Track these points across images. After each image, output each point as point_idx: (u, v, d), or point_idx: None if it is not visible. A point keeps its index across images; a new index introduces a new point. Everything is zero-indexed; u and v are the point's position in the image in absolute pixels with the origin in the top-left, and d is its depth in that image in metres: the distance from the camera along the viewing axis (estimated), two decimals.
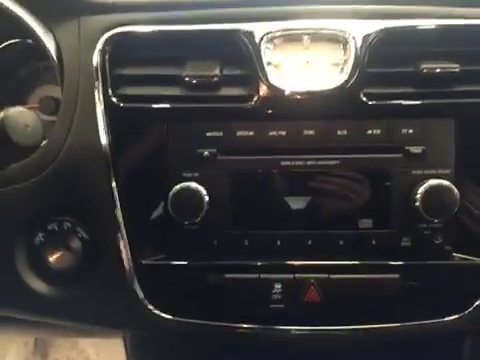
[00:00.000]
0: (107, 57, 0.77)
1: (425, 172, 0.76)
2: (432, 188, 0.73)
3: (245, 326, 0.77)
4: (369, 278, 0.75)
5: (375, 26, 0.74)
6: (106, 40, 0.77)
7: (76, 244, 0.76)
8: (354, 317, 0.76)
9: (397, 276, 0.75)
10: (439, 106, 0.76)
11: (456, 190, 0.73)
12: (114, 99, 0.76)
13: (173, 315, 0.78)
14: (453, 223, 0.76)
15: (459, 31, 0.77)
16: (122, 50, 0.77)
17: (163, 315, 0.77)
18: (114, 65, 0.77)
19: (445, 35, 0.76)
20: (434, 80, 0.75)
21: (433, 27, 0.76)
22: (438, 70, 0.74)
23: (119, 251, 0.76)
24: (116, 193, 0.75)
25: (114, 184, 0.75)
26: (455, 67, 0.74)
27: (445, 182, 0.73)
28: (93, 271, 0.77)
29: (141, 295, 0.77)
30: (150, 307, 0.77)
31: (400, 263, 0.76)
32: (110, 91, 0.76)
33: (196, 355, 0.86)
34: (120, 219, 0.76)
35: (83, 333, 1.01)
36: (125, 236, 0.75)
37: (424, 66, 0.74)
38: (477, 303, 0.76)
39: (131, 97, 0.77)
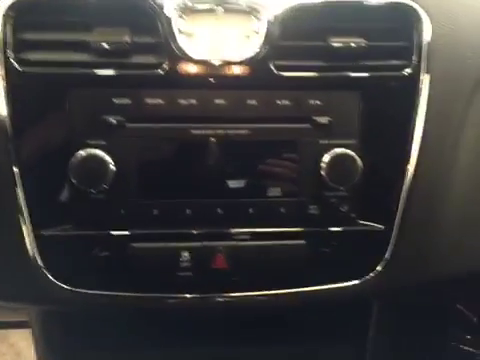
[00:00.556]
0: (11, 22, 0.73)
1: (331, 142, 0.78)
2: (336, 157, 0.76)
3: (152, 295, 0.76)
4: (276, 244, 0.76)
5: (287, 0, 0.75)
6: (10, 6, 0.73)
7: None
8: (261, 283, 0.77)
9: (303, 242, 0.77)
10: (346, 79, 0.79)
11: (359, 159, 0.76)
12: (15, 64, 0.72)
13: (76, 287, 0.75)
14: (357, 191, 0.79)
15: (367, 7, 0.79)
16: (26, 15, 0.74)
17: (65, 286, 0.75)
18: (17, 30, 0.73)
19: (354, 11, 0.79)
20: (342, 54, 0.78)
21: (343, 3, 0.79)
22: (345, 45, 0.76)
23: (18, 222, 0.72)
24: (15, 161, 0.72)
25: (13, 151, 0.72)
26: (362, 42, 0.76)
27: (347, 151, 0.76)
28: None
29: (42, 267, 0.74)
30: (51, 278, 0.74)
31: (306, 230, 0.78)
32: (12, 55, 0.72)
33: (104, 331, 0.84)
34: (19, 188, 0.72)
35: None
36: (24, 206, 0.72)
37: (332, 40, 0.76)
38: (379, 268, 0.80)
39: (34, 62, 0.73)
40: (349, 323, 0.92)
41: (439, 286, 0.89)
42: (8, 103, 0.72)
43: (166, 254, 0.75)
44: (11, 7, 0.72)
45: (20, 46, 0.73)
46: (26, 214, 0.72)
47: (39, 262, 0.73)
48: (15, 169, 0.72)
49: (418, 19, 0.78)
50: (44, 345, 0.95)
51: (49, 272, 0.74)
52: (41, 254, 0.73)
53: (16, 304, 0.83)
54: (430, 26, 0.78)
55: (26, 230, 0.73)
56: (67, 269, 0.75)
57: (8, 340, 1.70)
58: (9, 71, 0.72)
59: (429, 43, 0.77)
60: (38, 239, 0.73)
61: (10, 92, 0.72)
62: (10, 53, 0.72)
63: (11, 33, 0.73)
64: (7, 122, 0.72)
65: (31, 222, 0.73)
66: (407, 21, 0.78)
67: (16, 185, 0.72)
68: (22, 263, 0.73)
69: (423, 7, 0.78)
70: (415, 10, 0.78)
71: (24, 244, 0.73)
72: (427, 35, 0.78)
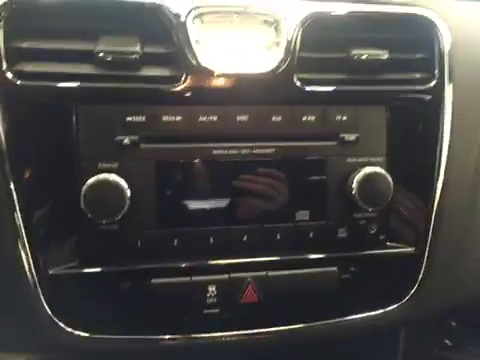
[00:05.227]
0: (2, 26, 0.63)
1: (359, 160, 0.74)
2: (368, 176, 0.71)
3: (177, 336, 0.68)
4: (308, 273, 0.71)
5: (307, 8, 0.71)
6: (0, 6, 0.62)
7: None
8: (294, 315, 0.72)
9: (335, 269, 0.72)
10: (369, 93, 0.75)
11: (389, 177, 0.72)
12: (9, 75, 0.62)
13: (90, 332, 0.66)
14: (386, 212, 0.76)
15: (387, 19, 0.76)
16: (21, 20, 0.64)
17: (77, 333, 0.65)
18: (10, 37, 0.63)
19: (375, 22, 0.75)
20: (364, 66, 0.74)
21: (363, 13, 0.75)
22: (366, 56, 0.73)
23: (19, 260, 0.62)
24: (14, 190, 0.62)
25: (10, 178, 0.62)
26: (384, 54, 0.73)
27: (380, 169, 0.72)
28: None
29: (49, 312, 0.64)
30: (61, 325, 0.65)
31: (337, 255, 0.73)
32: (4, 66, 0.62)
33: None
34: (20, 222, 0.62)
35: None
36: (26, 242, 0.62)
37: (354, 52, 0.73)
38: (413, 291, 0.76)
39: (31, 74, 0.64)
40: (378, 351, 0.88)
41: (472, 307, 0.86)
42: (4, 122, 0.62)
43: (190, 290, 0.67)
44: (3, 8, 0.62)
45: (14, 56, 0.64)
46: (28, 250, 0.63)
47: (46, 306, 0.63)
48: (15, 198, 0.62)
49: (438, 30, 0.75)
50: None
51: (58, 317, 0.65)
52: (47, 296, 0.64)
53: (21, 353, 0.72)
54: (450, 37, 0.76)
55: (28, 269, 0.63)
56: (78, 312, 0.66)
57: None
58: (3, 85, 0.62)
59: (450, 53, 0.75)
60: (43, 279, 0.63)
61: (6, 110, 0.62)
62: (3, 64, 0.62)
63: (4, 40, 0.63)
64: (3, 144, 0.62)
65: (33, 259, 0.63)
66: (427, 32, 0.76)
67: (16, 217, 0.62)
68: (26, 307, 0.63)
69: (442, 18, 0.76)
70: (434, 21, 0.75)
71: (28, 285, 0.62)
72: (447, 45, 0.75)
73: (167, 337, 0.68)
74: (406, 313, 0.76)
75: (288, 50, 0.69)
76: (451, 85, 0.75)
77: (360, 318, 0.74)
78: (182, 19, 0.67)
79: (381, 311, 0.75)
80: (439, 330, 0.95)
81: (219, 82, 0.68)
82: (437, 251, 0.76)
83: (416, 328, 0.88)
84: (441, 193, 0.76)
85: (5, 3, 0.63)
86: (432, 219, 0.76)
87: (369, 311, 0.75)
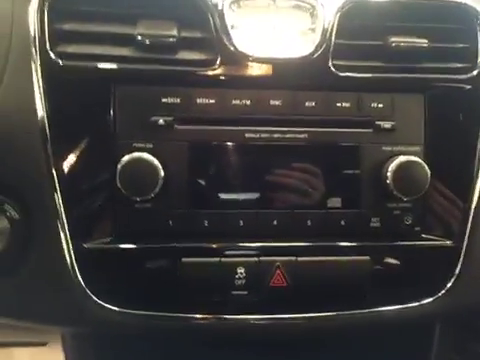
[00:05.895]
0: (46, 9, 0.66)
1: (395, 148, 0.73)
2: (403, 164, 0.69)
3: (203, 316, 0.69)
4: (338, 260, 0.70)
5: None
6: None
7: (3, 224, 0.64)
8: (323, 303, 0.70)
9: (367, 258, 0.70)
10: (408, 81, 0.73)
11: (427, 167, 0.69)
12: (52, 56, 0.65)
13: (121, 307, 0.67)
14: (423, 203, 0.73)
15: (428, 7, 0.74)
16: (64, 2, 0.67)
17: (109, 307, 0.67)
18: (54, 19, 0.66)
19: (415, 10, 0.74)
20: (402, 55, 0.72)
21: (402, 1, 0.73)
22: (406, 45, 0.71)
23: (56, 233, 0.65)
24: (53, 165, 0.65)
25: (51, 155, 0.65)
26: (423, 42, 0.71)
27: (416, 158, 0.70)
28: (25, 257, 0.66)
29: (83, 284, 0.66)
30: (94, 298, 0.67)
31: (370, 244, 0.72)
32: (48, 47, 0.65)
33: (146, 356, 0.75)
34: (58, 196, 0.65)
35: (14, 334, 0.87)
36: (63, 216, 0.65)
37: (393, 40, 0.71)
38: (449, 285, 0.73)
39: (73, 55, 0.66)
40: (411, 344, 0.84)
41: None
42: (46, 101, 0.65)
43: (220, 270, 0.67)
44: None
45: (58, 37, 0.66)
46: (66, 224, 0.65)
47: (80, 278, 0.65)
48: (54, 173, 0.64)
49: None
50: None
51: (90, 289, 0.67)
52: (81, 269, 0.66)
53: (53, 326, 0.74)
54: None
55: (65, 242, 0.65)
56: (110, 286, 0.68)
57: (12, 358, 1.60)
58: (46, 65, 0.65)
59: None
60: (78, 252, 0.65)
61: (48, 89, 0.65)
62: (47, 45, 0.65)
63: (47, 22, 0.66)
64: (45, 122, 0.64)
65: (70, 233, 0.65)
66: (471, 22, 0.73)
67: (56, 191, 0.64)
68: (61, 279, 0.66)
69: None
70: (477, 10, 0.73)
71: (63, 258, 0.65)
72: None
73: (195, 316, 0.68)
74: (441, 307, 0.73)
75: (324, 36, 0.69)
76: None
77: (392, 310, 0.72)
78: (219, 5, 0.68)
79: (415, 304, 0.73)
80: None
81: (253, 67, 0.69)
82: (475, 246, 0.73)
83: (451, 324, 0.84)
84: None
85: None
86: (471, 212, 0.73)
87: (402, 303, 0.72)
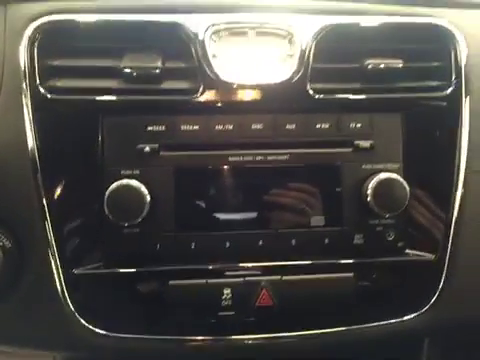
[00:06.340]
0: (36, 46, 0.69)
1: (374, 166, 0.75)
2: (383, 182, 0.71)
3: (192, 338, 0.70)
4: (323, 278, 0.71)
5: (320, 22, 0.73)
6: (35, 28, 0.70)
7: None
8: (309, 321, 0.72)
9: (351, 275, 0.72)
10: (385, 101, 0.76)
11: (406, 183, 0.71)
12: (42, 90, 0.68)
13: (111, 331, 0.69)
14: (405, 219, 0.75)
15: (402, 29, 0.77)
16: (53, 40, 0.71)
17: (99, 331, 0.68)
18: (43, 55, 0.70)
19: (389, 32, 0.77)
20: (379, 76, 0.75)
21: (377, 24, 0.77)
22: (382, 66, 0.74)
23: (47, 261, 0.67)
24: (43, 195, 0.67)
25: (41, 185, 0.67)
26: (399, 63, 0.74)
27: (395, 175, 0.72)
28: (16, 284, 0.68)
29: (73, 310, 0.68)
30: (83, 322, 0.68)
31: (353, 261, 0.73)
32: (38, 82, 0.69)
33: None
34: (48, 225, 0.67)
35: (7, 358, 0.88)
36: (54, 243, 0.67)
37: (369, 62, 0.74)
38: (433, 300, 0.74)
39: (62, 89, 0.70)
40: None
41: None
42: (36, 133, 0.68)
43: (206, 292, 0.69)
44: (37, 30, 0.69)
45: (47, 72, 0.70)
46: (56, 252, 0.67)
47: (70, 303, 0.67)
48: (44, 202, 0.67)
49: (455, 40, 0.76)
50: None
51: (80, 314, 0.68)
52: (71, 295, 0.67)
53: (44, 351, 0.76)
54: (466, 46, 0.76)
55: (55, 269, 0.67)
56: (100, 311, 0.69)
57: None
58: (36, 99, 0.68)
59: (466, 63, 0.75)
60: (68, 279, 0.67)
61: (38, 122, 0.68)
62: (37, 80, 0.68)
63: (37, 58, 0.69)
64: (36, 154, 0.67)
65: (61, 260, 0.67)
66: (444, 42, 0.76)
67: (46, 220, 0.66)
68: (51, 305, 0.67)
69: (458, 28, 0.76)
70: (451, 31, 0.76)
71: (54, 284, 0.66)
72: (464, 55, 0.76)
73: (184, 338, 0.70)
74: (426, 322, 0.74)
75: (301, 61, 0.72)
76: (468, 93, 0.75)
77: (377, 326, 0.73)
78: (200, 36, 0.71)
79: (399, 320, 0.74)
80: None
81: (235, 93, 0.72)
82: (458, 259, 0.75)
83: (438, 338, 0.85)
84: (461, 200, 0.74)
85: (39, 26, 0.69)
86: (452, 226, 0.74)
87: (387, 319, 0.73)
